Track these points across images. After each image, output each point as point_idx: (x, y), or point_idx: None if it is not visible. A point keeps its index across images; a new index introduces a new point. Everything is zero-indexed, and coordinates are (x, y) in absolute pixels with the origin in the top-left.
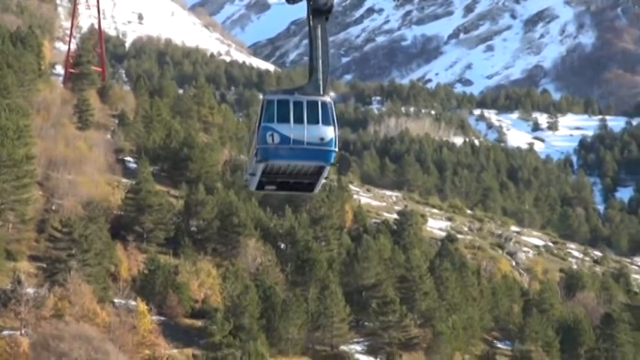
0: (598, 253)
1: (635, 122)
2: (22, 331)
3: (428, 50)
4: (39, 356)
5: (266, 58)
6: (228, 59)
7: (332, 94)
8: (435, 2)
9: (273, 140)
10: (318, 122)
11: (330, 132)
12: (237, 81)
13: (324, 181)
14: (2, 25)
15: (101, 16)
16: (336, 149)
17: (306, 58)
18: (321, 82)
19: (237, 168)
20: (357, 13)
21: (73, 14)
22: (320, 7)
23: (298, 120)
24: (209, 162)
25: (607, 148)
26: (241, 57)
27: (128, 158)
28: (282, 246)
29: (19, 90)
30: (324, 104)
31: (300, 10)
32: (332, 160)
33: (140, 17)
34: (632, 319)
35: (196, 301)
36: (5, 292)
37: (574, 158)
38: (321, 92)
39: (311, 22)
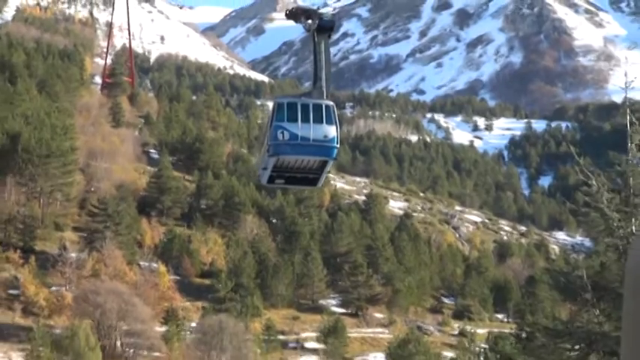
0: (524, 228)
1: (553, 124)
2: (67, 287)
3: (390, 66)
4: (80, 307)
5: (262, 72)
6: (231, 72)
7: None
8: (396, 28)
9: (283, 137)
10: (322, 122)
11: (332, 131)
12: (238, 90)
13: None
14: (52, 44)
15: (131, 37)
16: (338, 146)
17: (293, 72)
18: (324, 89)
19: (238, 159)
20: (334, 37)
21: (109, 35)
22: (323, 25)
23: (305, 120)
24: (216, 154)
25: (531, 145)
26: (242, 70)
27: (152, 150)
28: (274, 220)
29: (65, 96)
30: (327, 107)
31: (290, 33)
32: (334, 155)
33: (162, 38)
34: (550, 280)
35: (205, 264)
36: (53, 256)
37: (505, 153)
38: (325, 97)
39: (315, 39)
